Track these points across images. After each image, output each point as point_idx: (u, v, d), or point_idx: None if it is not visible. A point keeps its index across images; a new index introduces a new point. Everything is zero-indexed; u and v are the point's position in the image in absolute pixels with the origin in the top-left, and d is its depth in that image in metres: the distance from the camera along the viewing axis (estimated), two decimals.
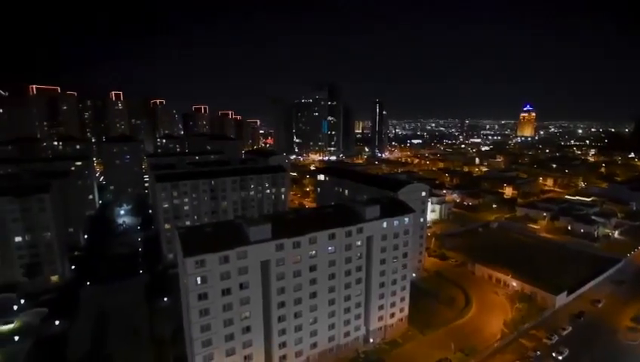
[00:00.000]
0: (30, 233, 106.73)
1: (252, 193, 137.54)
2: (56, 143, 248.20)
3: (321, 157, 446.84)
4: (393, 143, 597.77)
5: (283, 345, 69.28)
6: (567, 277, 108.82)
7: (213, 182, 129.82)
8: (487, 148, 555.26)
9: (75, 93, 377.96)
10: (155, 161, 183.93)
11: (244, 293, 62.27)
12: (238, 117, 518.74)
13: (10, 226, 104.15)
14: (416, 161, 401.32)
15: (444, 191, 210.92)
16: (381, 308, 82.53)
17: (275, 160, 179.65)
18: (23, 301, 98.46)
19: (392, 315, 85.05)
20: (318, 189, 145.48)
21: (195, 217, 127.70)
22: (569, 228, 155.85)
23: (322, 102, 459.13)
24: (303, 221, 73.50)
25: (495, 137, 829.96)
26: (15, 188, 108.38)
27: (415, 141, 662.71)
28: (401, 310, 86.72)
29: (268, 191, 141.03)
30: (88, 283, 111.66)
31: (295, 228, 68.10)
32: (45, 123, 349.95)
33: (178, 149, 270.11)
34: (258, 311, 64.56)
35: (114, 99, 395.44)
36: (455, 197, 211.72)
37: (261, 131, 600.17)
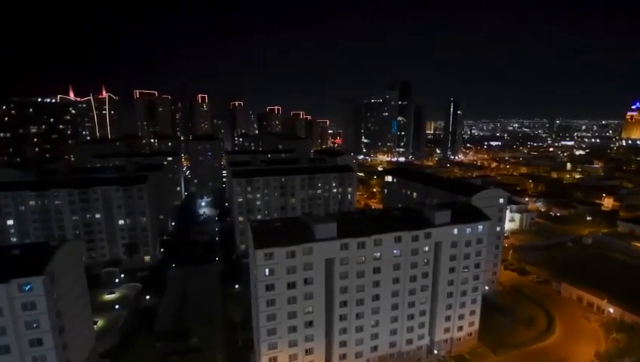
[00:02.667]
0: (130, 217, 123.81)
1: (319, 191, 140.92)
2: (153, 140, 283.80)
3: (389, 158, 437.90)
4: (468, 145, 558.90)
5: (343, 343, 69.95)
6: None
7: (283, 179, 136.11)
8: (581, 152, 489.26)
9: (169, 97, 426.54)
10: (232, 158, 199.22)
11: (308, 288, 64.34)
12: (309, 117, 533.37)
13: (115, 211, 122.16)
14: (495, 164, 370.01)
15: (527, 199, 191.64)
16: (448, 319, 78.33)
17: (343, 160, 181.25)
18: (122, 275, 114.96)
19: (460, 328, 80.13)
20: (385, 191, 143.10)
21: (266, 212, 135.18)
22: None
23: (392, 102, 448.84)
24: (368, 222, 73.26)
25: (593, 140, 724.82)
26: (120, 179, 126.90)
27: (494, 143, 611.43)
28: (471, 324, 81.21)
29: (335, 190, 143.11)
30: (174, 265, 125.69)
31: (360, 228, 68.20)
32: (145, 122, 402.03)
33: (253, 147, 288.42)
34: (321, 307, 66.18)
35: (200, 101, 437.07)
36: (539, 206, 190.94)
37: (330, 131, 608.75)
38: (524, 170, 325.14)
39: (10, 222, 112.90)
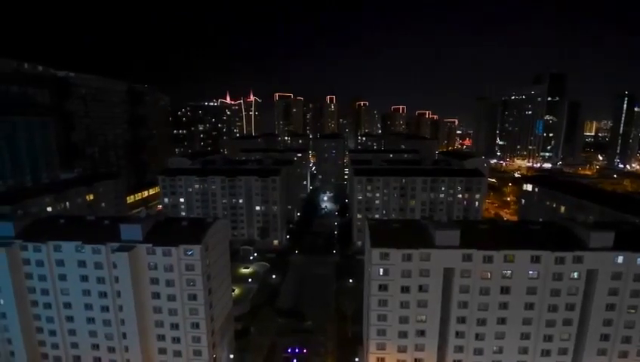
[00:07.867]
0: (265, 205, 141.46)
1: (442, 195, 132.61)
2: (286, 138, 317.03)
3: (529, 164, 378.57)
4: None
5: None
6: None
7: (403, 180, 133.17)
8: None
9: (302, 98, 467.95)
10: (354, 156, 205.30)
11: (423, 296, 61.59)
12: (435, 116, 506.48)
13: (254, 198, 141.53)
14: None
15: None
16: None
17: (472, 163, 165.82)
18: (255, 254, 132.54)
19: None
20: (523, 201, 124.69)
21: (384, 211, 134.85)
22: None
23: (539, 99, 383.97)
24: (498, 233, 65.38)
25: None
26: (259, 171, 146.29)
27: None
28: None
29: (460, 195, 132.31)
30: (297, 251, 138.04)
31: (488, 239, 61.42)
32: (281, 122, 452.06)
33: (375, 147, 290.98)
34: (435, 318, 62.52)
35: (328, 102, 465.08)
36: None
37: (458, 131, 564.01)
38: None
39: (181, 199, 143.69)
